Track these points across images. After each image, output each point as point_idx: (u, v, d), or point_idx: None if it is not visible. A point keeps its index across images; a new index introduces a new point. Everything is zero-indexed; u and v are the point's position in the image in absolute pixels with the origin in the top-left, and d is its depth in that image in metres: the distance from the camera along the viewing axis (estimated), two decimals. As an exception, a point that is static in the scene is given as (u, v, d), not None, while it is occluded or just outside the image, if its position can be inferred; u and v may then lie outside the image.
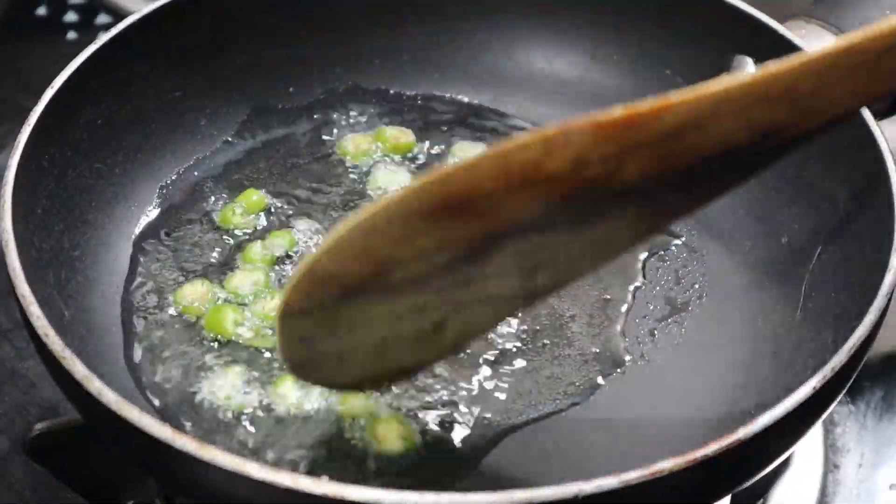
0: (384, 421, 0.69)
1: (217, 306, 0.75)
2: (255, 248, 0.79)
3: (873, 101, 0.60)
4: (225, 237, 0.80)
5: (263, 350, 0.72)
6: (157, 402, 0.70)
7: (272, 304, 0.75)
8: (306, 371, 0.64)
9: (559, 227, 0.59)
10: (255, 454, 0.67)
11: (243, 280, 0.77)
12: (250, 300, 0.75)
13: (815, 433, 0.79)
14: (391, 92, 0.90)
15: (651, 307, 0.77)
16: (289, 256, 0.79)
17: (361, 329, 0.61)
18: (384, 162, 0.85)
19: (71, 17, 1.14)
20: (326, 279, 0.59)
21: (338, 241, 0.58)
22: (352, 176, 0.85)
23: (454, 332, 0.62)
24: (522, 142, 0.56)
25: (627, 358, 0.74)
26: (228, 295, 0.76)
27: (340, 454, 0.68)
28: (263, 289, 0.76)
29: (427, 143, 0.87)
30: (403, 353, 0.63)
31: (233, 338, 0.73)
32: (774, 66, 0.56)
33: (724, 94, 0.56)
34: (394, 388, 0.70)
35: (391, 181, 0.84)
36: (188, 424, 0.69)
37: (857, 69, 0.56)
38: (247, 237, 0.80)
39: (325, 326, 0.61)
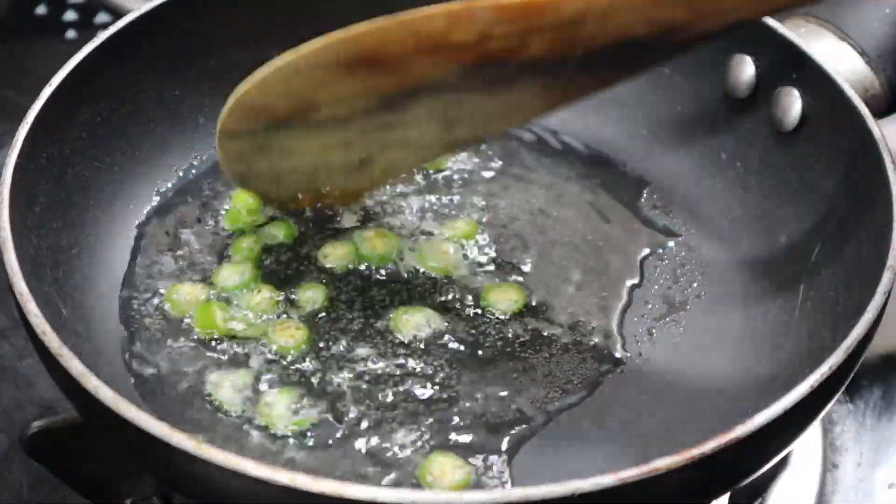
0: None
1: (203, 305, 0.75)
2: (244, 241, 0.79)
3: (772, 13, 0.65)
4: (223, 236, 0.80)
5: (259, 345, 0.73)
6: (154, 400, 0.70)
7: (258, 297, 0.75)
8: (247, 184, 0.73)
9: (471, 89, 0.65)
10: (254, 452, 0.68)
11: (231, 272, 0.77)
12: (238, 293, 0.75)
13: (814, 432, 0.79)
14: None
15: (649, 306, 0.77)
16: (282, 246, 0.79)
17: (292, 156, 0.70)
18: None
19: (70, 15, 1.14)
20: (256, 109, 0.68)
21: (263, 78, 0.66)
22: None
23: (381, 168, 0.71)
24: (429, 13, 0.62)
25: (625, 356, 0.74)
26: (221, 290, 0.76)
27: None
28: (251, 280, 0.76)
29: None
30: (335, 180, 0.72)
31: (226, 333, 0.73)
32: None
33: None
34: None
35: None
36: (186, 422, 0.69)
37: None
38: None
39: (258, 150, 0.70)
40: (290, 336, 0.73)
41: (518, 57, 0.63)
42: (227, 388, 0.70)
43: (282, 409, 0.69)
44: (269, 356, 0.72)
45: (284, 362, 0.72)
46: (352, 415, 0.69)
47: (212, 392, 0.70)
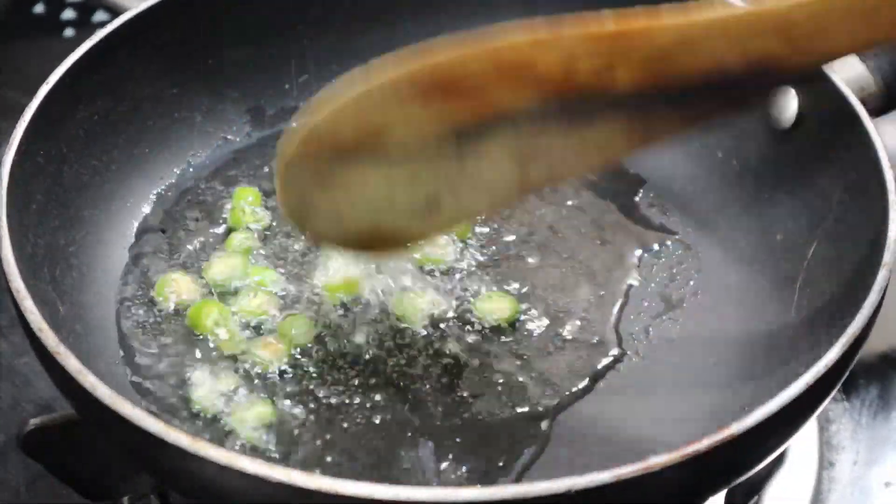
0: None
1: (203, 301, 0.75)
2: (239, 236, 0.79)
3: (870, 48, 0.62)
4: (221, 234, 0.80)
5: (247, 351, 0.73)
6: (151, 397, 0.70)
7: (256, 302, 0.75)
8: (302, 220, 0.66)
9: (551, 123, 0.60)
10: (251, 450, 0.68)
11: (220, 266, 0.77)
12: (232, 291, 0.76)
13: (810, 430, 0.79)
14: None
15: (646, 304, 0.77)
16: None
17: (356, 189, 0.63)
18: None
19: (69, 14, 1.14)
20: (323, 140, 0.62)
21: (335, 108, 0.61)
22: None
23: (448, 210, 0.64)
24: (513, 41, 0.58)
25: (622, 354, 0.74)
26: (213, 286, 0.76)
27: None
28: (242, 274, 0.76)
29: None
30: (398, 221, 0.65)
31: (208, 336, 0.73)
32: (772, 3, 0.57)
33: (717, 22, 0.57)
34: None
35: None
36: (182, 420, 0.69)
37: (856, 14, 0.56)
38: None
39: (321, 181, 0.64)
40: (272, 352, 0.72)
41: (602, 91, 0.59)
42: (222, 386, 0.70)
43: (257, 418, 0.69)
44: (255, 363, 0.72)
45: (269, 372, 0.72)
46: (345, 416, 0.69)
47: (207, 390, 0.70)
